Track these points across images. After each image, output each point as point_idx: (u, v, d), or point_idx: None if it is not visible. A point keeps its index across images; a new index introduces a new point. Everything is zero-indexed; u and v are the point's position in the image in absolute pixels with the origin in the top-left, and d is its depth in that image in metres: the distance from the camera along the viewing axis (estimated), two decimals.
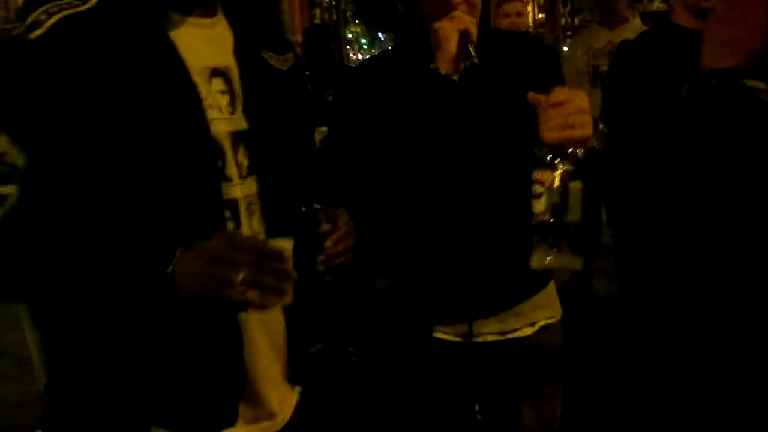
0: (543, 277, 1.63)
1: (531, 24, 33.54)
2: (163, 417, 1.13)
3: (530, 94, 1.25)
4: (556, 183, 1.19)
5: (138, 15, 1.06)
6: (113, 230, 1.02)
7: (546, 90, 1.44)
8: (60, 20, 0.99)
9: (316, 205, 1.26)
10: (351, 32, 40.56)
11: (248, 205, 1.17)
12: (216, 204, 1.11)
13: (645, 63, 2.00)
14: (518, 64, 1.52)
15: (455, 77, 1.37)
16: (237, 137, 1.16)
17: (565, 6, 34.09)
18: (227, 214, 1.13)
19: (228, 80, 1.16)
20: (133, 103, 1.01)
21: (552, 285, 1.69)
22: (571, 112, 1.19)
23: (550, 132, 1.20)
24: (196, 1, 1.14)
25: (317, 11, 29.66)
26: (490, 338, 1.59)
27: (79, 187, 1.01)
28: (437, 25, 1.36)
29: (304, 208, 1.24)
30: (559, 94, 1.23)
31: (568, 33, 34.66)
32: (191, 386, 1.12)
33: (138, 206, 1.04)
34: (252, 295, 0.99)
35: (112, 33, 1.02)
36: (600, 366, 3.15)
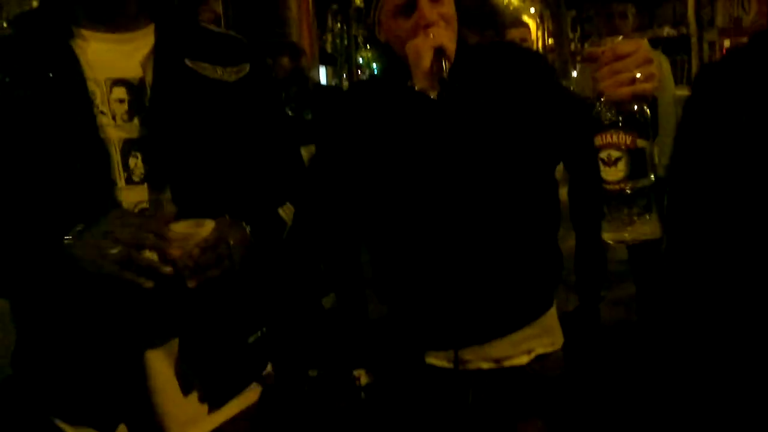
0: (542, 303, 1.56)
1: (540, 50, 33.69)
2: (64, 411, 1.26)
3: (587, 49, 1.15)
4: (636, 143, 1.04)
5: (46, 32, 1.19)
6: (18, 213, 1.15)
7: (545, 103, 1.42)
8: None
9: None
10: (362, 57, 40.84)
11: (140, 211, 1.22)
12: (102, 203, 1.18)
13: (734, 91, 1.55)
14: (505, 77, 1.44)
15: (433, 94, 1.32)
16: (129, 144, 1.21)
17: (574, 31, 34.27)
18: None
19: (132, 90, 1.22)
20: (35, 106, 1.14)
21: (553, 311, 1.59)
22: (639, 63, 1.06)
23: (620, 88, 1.05)
24: (106, 18, 1.22)
25: (329, 36, 29.99)
26: (485, 366, 1.53)
27: None
28: (411, 43, 1.33)
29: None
30: (624, 44, 1.08)
31: (578, 58, 34.75)
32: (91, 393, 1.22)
33: (38, 195, 1.16)
34: (127, 273, 1.10)
35: (24, 50, 1.17)
36: (605, 395, 3.12)
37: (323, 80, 27.43)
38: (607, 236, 1.11)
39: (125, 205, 1.21)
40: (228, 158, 1.30)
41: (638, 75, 1.05)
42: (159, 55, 1.24)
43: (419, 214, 1.43)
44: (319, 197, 1.45)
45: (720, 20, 36.03)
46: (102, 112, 1.20)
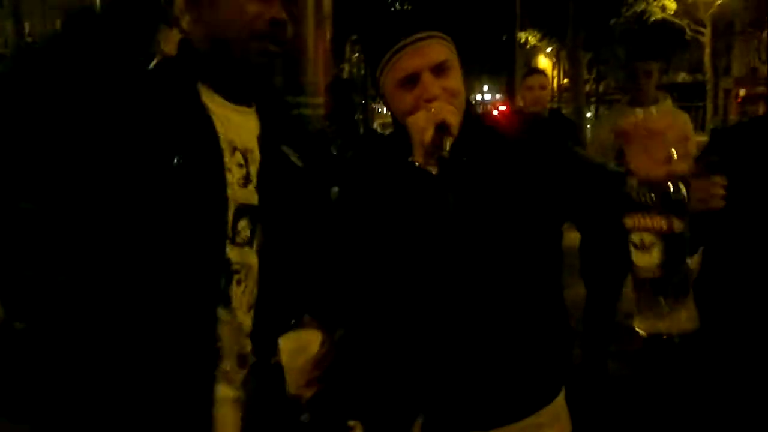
0: (549, 390, 1.44)
1: (555, 89, 33.96)
2: None
3: (615, 125, 1.06)
4: (673, 227, 0.95)
5: (179, 82, 1.21)
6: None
7: (553, 174, 1.35)
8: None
9: (305, 318, 1.22)
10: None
11: (236, 272, 1.23)
12: (213, 257, 1.18)
13: (743, 156, 1.71)
14: (510, 150, 1.37)
15: (434, 170, 1.28)
16: (242, 208, 1.24)
17: (590, 72, 34.55)
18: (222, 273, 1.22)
19: (246, 160, 1.26)
20: (168, 153, 1.13)
21: (561, 397, 1.47)
22: (673, 141, 0.99)
23: (654, 167, 0.98)
24: (232, 91, 1.27)
25: (346, 66, 30.28)
26: None
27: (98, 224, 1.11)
28: (412, 117, 1.29)
29: (293, 321, 1.23)
30: (662, 118, 1.02)
31: (592, 99, 34.95)
32: None
33: (147, 241, 1.13)
34: None
35: (158, 93, 1.17)
36: None
37: None
38: (640, 326, 1.01)
39: (232, 261, 1.23)
40: (307, 240, 1.36)
41: (674, 154, 0.97)
42: (265, 134, 1.30)
43: (416, 295, 1.34)
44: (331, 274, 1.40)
45: (736, 69, 36.29)
46: (228, 170, 1.22)
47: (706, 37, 26.30)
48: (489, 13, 26.86)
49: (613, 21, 23.75)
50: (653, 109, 3.65)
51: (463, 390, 1.34)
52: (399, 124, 1.35)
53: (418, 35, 1.29)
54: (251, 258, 1.24)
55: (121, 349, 1.11)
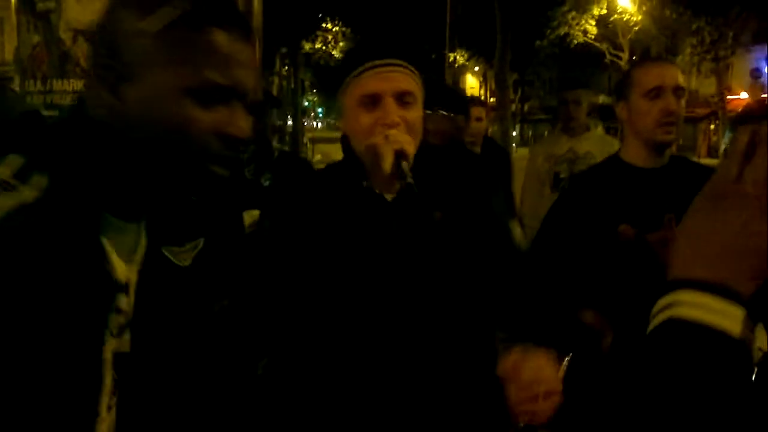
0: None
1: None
2: None
3: (499, 368, 1.20)
4: None
5: (78, 214, 0.88)
6: None
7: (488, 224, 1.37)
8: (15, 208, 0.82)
9: None
10: (308, 101, 41.14)
11: None
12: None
13: (589, 199, 1.92)
14: (458, 189, 1.39)
15: (389, 197, 1.27)
16: (118, 359, 0.93)
17: (516, 93, 35.50)
18: None
19: (126, 298, 0.95)
20: (46, 310, 0.83)
21: None
22: (543, 385, 1.15)
23: (521, 406, 1.16)
24: (131, 206, 0.94)
25: (275, 78, 30.06)
26: None
27: None
28: (371, 141, 1.26)
29: None
30: (531, 367, 1.17)
31: (518, 119, 35.88)
32: None
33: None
34: None
35: (50, 229, 0.85)
36: None
37: None
38: None
39: None
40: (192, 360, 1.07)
41: (541, 395, 1.14)
42: (149, 251, 0.98)
43: (356, 326, 1.30)
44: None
45: None
46: (108, 326, 0.92)
47: (624, 61, 27.47)
48: (420, 32, 27.27)
49: (537, 43, 24.52)
50: (582, 140, 3.76)
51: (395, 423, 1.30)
52: (350, 148, 1.33)
53: (389, 61, 1.30)
54: (112, 421, 0.91)
55: None
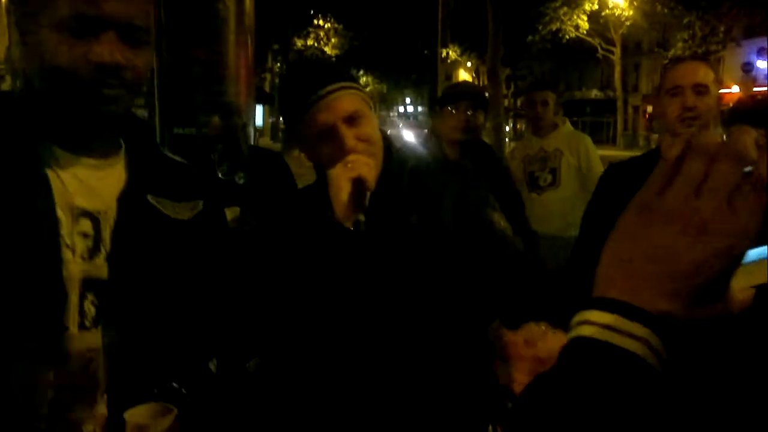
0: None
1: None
2: None
3: (502, 332, 1.19)
4: None
5: (17, 140, 1.01)
6: None
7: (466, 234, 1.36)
8: None
9: (174, 384, 1.10)
10: None
11: (88, 361, 1.04)
12: (50, 349, 1.01)
13: (630, 188, 1.99)
14: (429, 202, 1.37)
15: (350, 225, 1.26)
16: (88, 284, 1.05)
17: (508, 88, 35.52)
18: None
19: (97, 225, 1.06)
20: None
21: None
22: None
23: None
24: (83, 141, 1.06)
25: (268, 75, 30.00)
26: None
27: None
28: (330, 172, 1.27)
29: (156, 390, 1.07)
30: (549, 345, 1.16)
31: (510, 114, 35.90)
32: None
33: None
34: None
35: None
36: None
37: (259, 119, 27.30)
38: None
39: (73, 353, 1.03)
40: (179, 304, 1.15)
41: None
42: (128, 190, 1.10)
43: (329, 351, 1.32)
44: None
45: (644, 87, 38.18)
46: (66, 245, 1.02)
47: (616, 56, 27.56)
48: (412, 28, 27.27)
49: (529, 38, 24.56)
50: (550, 139, 3.81)
51: (386, 422, 1.31)
52: (321, 175, 1.34)
53: (329, 88, 1.30)
54: (96, 341, 1.05)
55: None
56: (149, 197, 1.13)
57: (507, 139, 16.29)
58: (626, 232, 0.51)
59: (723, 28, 21.13)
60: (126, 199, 1.09)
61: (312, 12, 27.19)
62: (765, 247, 0.54)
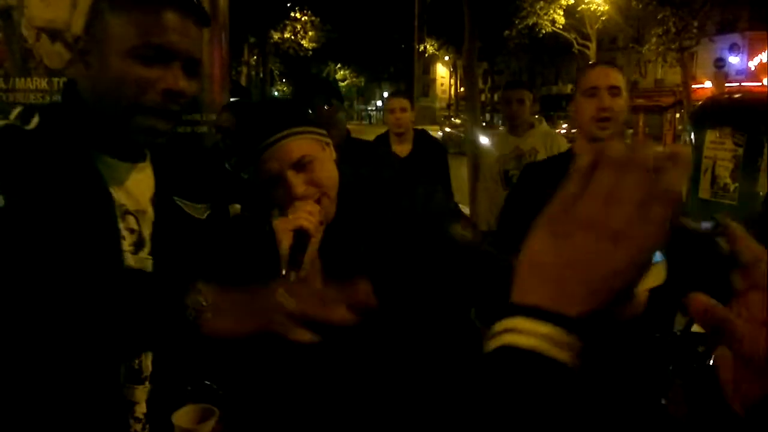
0: None
1: (452, 97, 34.44)
2: None
3: None
4: None
5: (70, 146, 1.09)
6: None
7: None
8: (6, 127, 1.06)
9: (207, 382, 1.16)
10: (277, 90, 40.83)
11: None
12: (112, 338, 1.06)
13: (538, 188, 2.08)
14: (386, 243, 1.35)
15: (293, 277, 1.22)
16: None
17: (485, 83, 35.66)
18: None
19: (138, 222, 1.15)
20: (60, 221, 1.02)
21: None
22: None
23: None
24: (122, 149, 1.15)
25: (244, 68, 29.79)
26: None
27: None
28: (273, 223, 1.27)
29: (190, 388, 1.16)
30: None
31: (487, 108, 36.05)
32: None
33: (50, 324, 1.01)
34: None
35: (47, 153, 1.06)
36: None
37: None
38: None
39: None
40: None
41: None
42: (159, 191, 1.20)
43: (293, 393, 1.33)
44: None
45: None
46: (123, 237, 1.11)
47: (592, 51, 27.77)
48: (390, 22, 27.24)
49: (506, 33, 24.65)
50: (527, 137, 3.87)
51: None
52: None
53: (277, 136, 1.30)
54: None
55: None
56: (175, 199, 1.23)
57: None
58: (542, 238, 0.52)
59: (696, 24, 21.36)
60: (158, 201, 1.19)
61: (289, 5, 27.00)
62: (658, 252, 0.55)
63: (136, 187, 1.17)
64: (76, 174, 1.06)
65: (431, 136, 4.21)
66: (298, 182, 1.28)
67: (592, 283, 0.49)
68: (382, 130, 3.98)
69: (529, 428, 0.47)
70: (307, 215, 1.25)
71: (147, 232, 1.16)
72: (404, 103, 3.74)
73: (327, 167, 1.34)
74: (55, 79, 3.25)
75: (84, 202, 1.05)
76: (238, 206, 3.02)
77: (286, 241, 1.23)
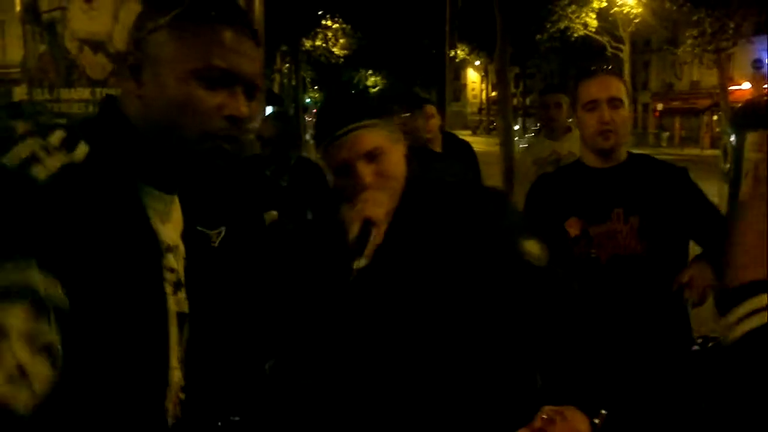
0: None
1: (484, 101, 34.33)
2: None
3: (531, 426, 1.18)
4: None
5: (117, 179, 1.00)
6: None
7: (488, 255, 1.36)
8: (62, 168, 0.95)
9: (234, 418, 1.18)
10: (309, 97, 41.11)
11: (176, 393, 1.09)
12: (155, 384, 1.04)
13: (549, 197, 2.16)
14: (445, 234, 1.38)
15: (357, 264, 1.26)
16: (180, 318, 1.08)
17: (517, 87, 35.46)
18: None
19: (175, 260, 1.10)
20: (105, 265, 0.94)
21: None
22: None
23: None
24: (167, 179, 1.06)
25: (277, 76, 30.05)
26: None
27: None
28: (343, 208, 1.31)
29: (220, 423, 1.19)
30: (559, 426, 1.15)
31: (519, 112, 35.78)
32: None
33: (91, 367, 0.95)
34: None
35: (96, 190, 0.97)
36: None
37: None
38: None
39: (172, 386, 1.06)
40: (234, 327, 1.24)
41: None
42: (187, 224, 1.14)
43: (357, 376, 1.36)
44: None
45: (653, 84, 37.97)
46: (164, 279, 1.04)
47: (625, 54, 27.43)
48: (420, 28, 27.26)
49: (538, 37, 24.50)
50: (564, 142, 3.82)
51: None
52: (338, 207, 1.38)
53: (350, 127, 1.34)
54: (178, 376, 1.09)
55: None
56: (199, 227, 1.23)
57: (516, 138, 16.30)
58: (754, 217, 0.52)
59: (733, 25, 20.96)
60: (186, 233, 1.13)
61: (320, 12, 27.19)
62: None
63: (171, 219, 1.10)
64: (124, 212, 0.99)
65: (459, 138, 4.25)
66: (367, 172, 1.31)
67: None
68: None
69: None
70: (374, 205, 1.28)
71: (181, 269, 1.09)
72: (431, 109, 3.81)
73: (396, 161, 1.37)
74: (98, 89, 3.33)
75: (131, 244, 0.98)
76: (274, 213, 3.08)
77: (354, 229, 1.26)
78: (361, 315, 1.32)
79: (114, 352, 0.95)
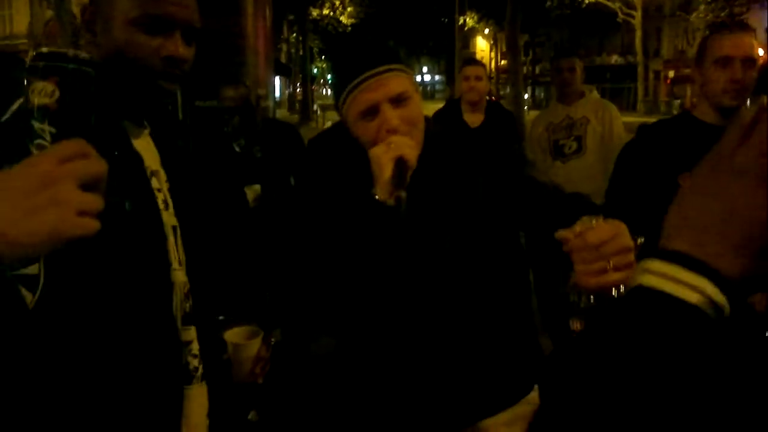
0: (522, 384, 1.44)
1: (493, 71, 34.22)
2: None
3: (558, 232, 1.12)
4: None
5: (102, 113, 1.07)
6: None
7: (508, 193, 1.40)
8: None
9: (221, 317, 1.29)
10: (317, 67, 40.83)
11: (186, 294, 1.23)
12: (160, 283, 1.17)
13: (661, 149, 2.06)
14: (467, 169, 1.44)
15: (391, 202, 1.29)
16: (174, 231, 1.22)
17: (526, 55, 35.05)
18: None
19: (159, 182, 1.23)
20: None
21: (535, 392, 1.46)
22: (612, 252, 1.05)
23: (589, 278, 1.06)
24: (144, 113, 1.23)
25: (284, 46, 29.84)
26: None
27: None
28: (372, 151, 1.31)
29: (222, 317, 1.28)
30: (598, 232, 1.07)
31: (529, 81, 35.44)
32: None
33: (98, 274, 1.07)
34: None
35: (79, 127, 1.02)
36: None
37: (277, 90, 27.18)
38: None
39: (177, 285, 1.21)
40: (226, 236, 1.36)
41: (609, 265, 1.05)
42: (163, 152, 1.26)
43: (383, 315, 1.39)
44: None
45: (665, 51, 37.45)
46: (156, 197, 1.19)
47: (637, 20, 27.03)
48: None
49: (548, 4, 24.16)
50: (577, 107, 3.75)
51: (436, 389, 1.38)
52: (362, 152, 1.36)
53: (378, 69, 1.35)
54: (183, 277, 1.23)
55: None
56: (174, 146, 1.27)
57: (526, 107, 16.18)
58: (698, 187, 0.53)
59: None
60: (166, 164, 1.24)
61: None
62: None
63: (149, 149, 1.22)
64: (112, 138, 1.12)
65: (504, 108, 4.15)
66: (393, 115, 1.32)
67: (744, 232, 0.49)
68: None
69: (658, 369, 0.48)
70: (408, 146, 1.30)
71: (165, 190, 1.22)
72: (480, 71, 3.74)
73: (418, 108, 1.40)
74: None
75: (122, 166, 1.08)
76: (257, 186, 2.99)
77: (388, 168, 1.27)
78: (404, 247, 1.34)
79: (119, 257, 1.07)
